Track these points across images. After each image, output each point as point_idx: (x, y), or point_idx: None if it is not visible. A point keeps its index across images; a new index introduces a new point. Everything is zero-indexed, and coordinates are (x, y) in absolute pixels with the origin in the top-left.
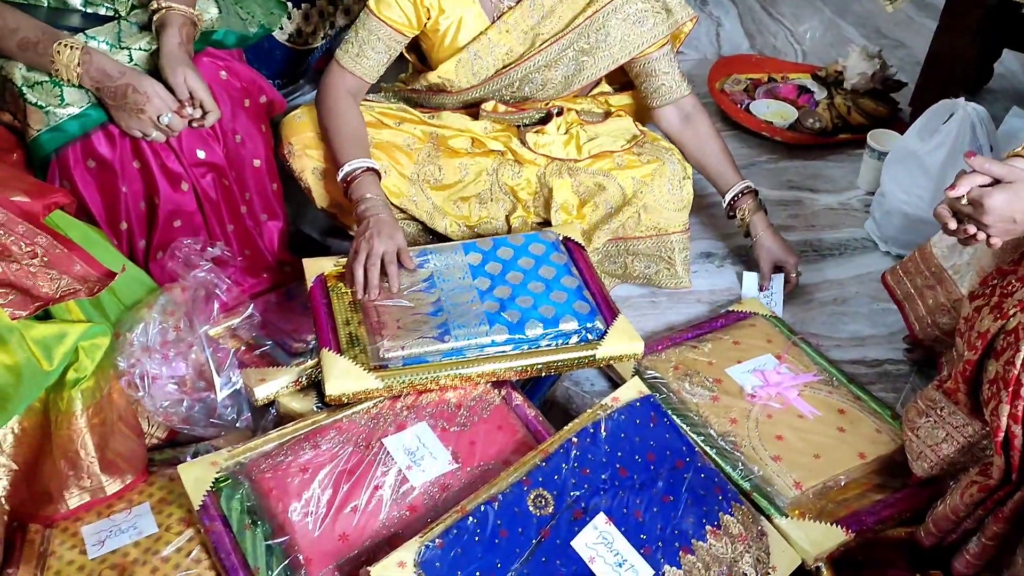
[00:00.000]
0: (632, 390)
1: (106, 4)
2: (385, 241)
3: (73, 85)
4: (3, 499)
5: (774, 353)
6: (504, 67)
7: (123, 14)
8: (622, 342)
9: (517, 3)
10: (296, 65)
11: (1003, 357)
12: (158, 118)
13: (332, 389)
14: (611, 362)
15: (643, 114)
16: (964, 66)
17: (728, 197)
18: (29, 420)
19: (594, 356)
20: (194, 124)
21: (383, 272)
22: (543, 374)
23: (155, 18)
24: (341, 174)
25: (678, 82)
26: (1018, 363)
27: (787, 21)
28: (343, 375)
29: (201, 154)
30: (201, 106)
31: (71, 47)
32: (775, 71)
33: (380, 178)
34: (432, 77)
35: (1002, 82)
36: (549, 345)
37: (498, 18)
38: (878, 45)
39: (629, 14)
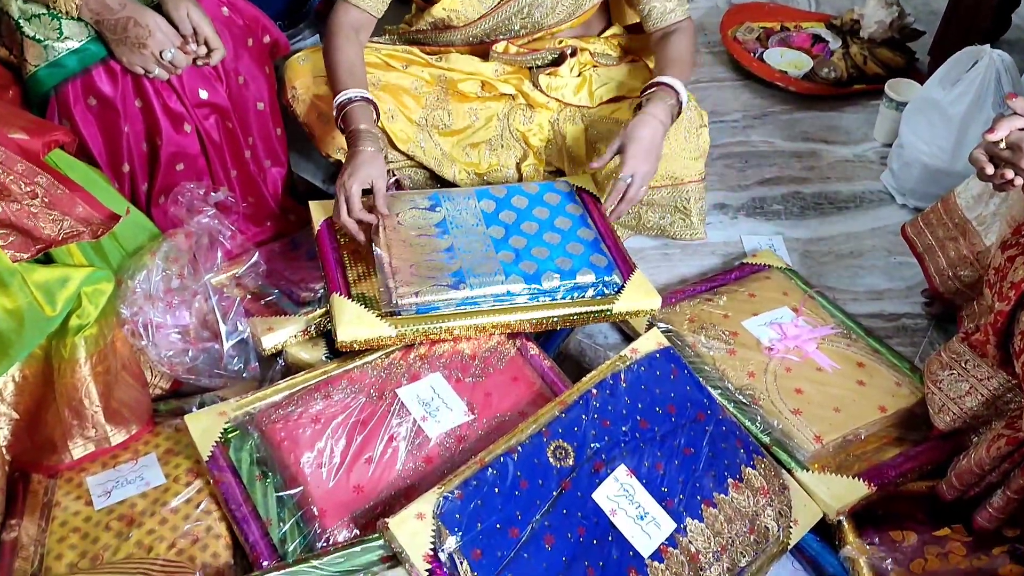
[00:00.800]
0: (651, 341)
1: None
2: (361, 176)
3: (72, 18)
4: (4, 448)
5: (790, 306)
6: None
7: None
8: (639, 297)
9: None
10: (297, 7)
11: None
12: (160, 53)
13: (343, 335)
14: (627, 317)
15: None
16: (986, 13)
17: (652, 80)
18: (31, 368)
19: (610, 310)
20: (199, 62)
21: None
22: (558, 327)
23: None
24: (335, 105)
25: (670, 7)
26: None
27: None
28: (354, 321)
29: (204, 94)
30: (206, 43)
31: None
32: (788, 19)
33: (377, 112)
34: (437, 11)
35: (1019, 33)
36: (565, 298)
37: None
38: None
39: None
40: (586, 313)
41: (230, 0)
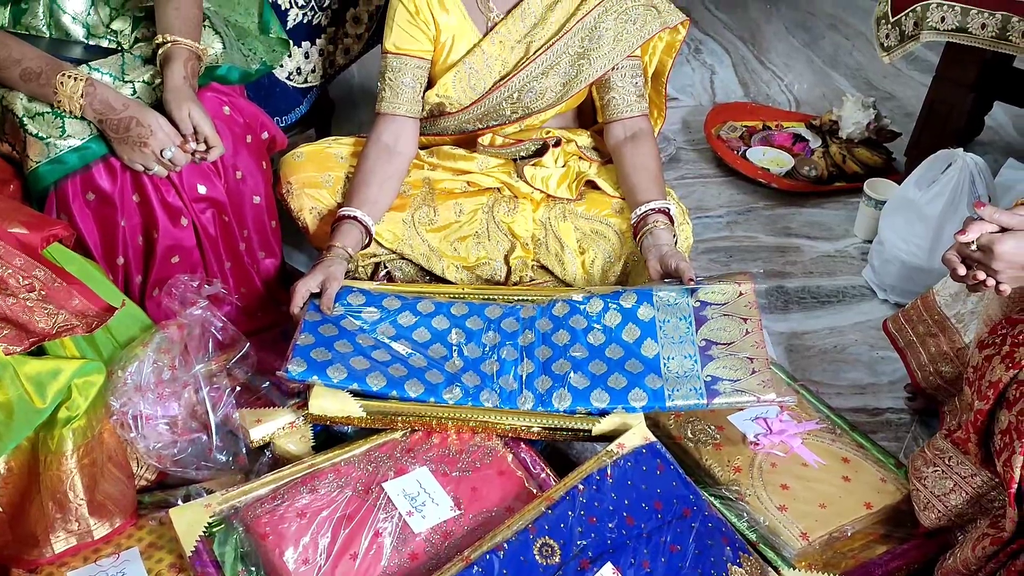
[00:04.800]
0: (637, 436)
1: (109, 36)
2: (313, 278)
3: (75, 117)
4: None
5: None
6: (501, 78)
7: (126, 47)
8: (622, 419)
9: (507, 14)
10: (295, 103)
11: (1016, 407)
12: (161, 152)
13: (313, 407)
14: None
15: None
16: (959, 117)
17: (642, 210)
18: (16, 460)
19: (590, 431)
20: (197, 159)
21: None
22: (539, 438)
23: (160, 52)
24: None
25: (629, 102)
26: None
27: (779, 71)
28: (327, 395)
29: (202, 189)
30: (205, 141)
31: (75, 78)
32: (770, 119)
33: (370, 233)
34: (432, 96)
35: (991, 135)
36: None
37: (490, 30)
38: (870, 96)
39: (619, 12)
40: (565, 429)
41: (231, 99)
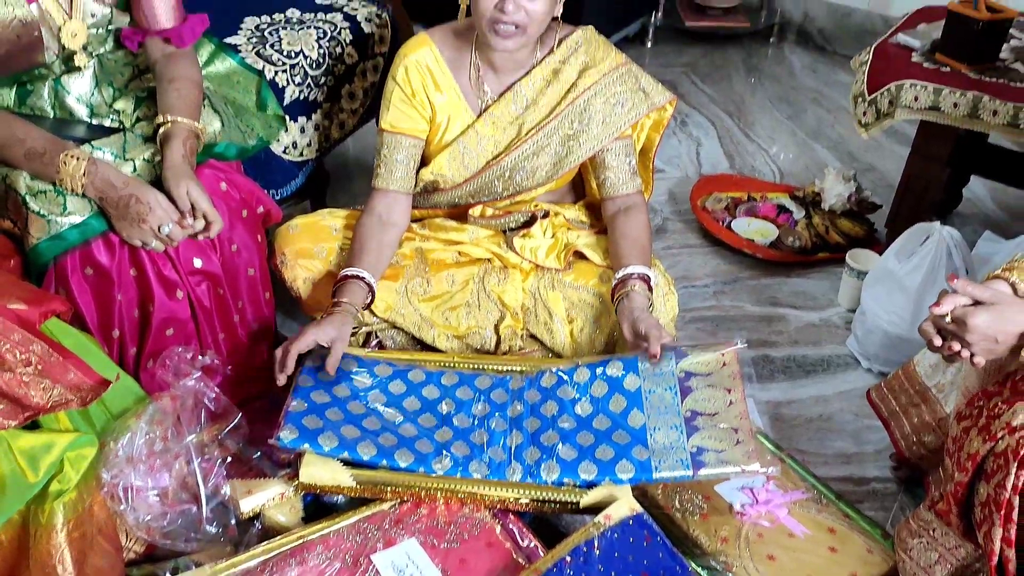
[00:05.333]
0: (624, 507)
1: (112, 116)
2: (312, 333)
3: (77, 194)
4: None
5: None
6: (494, 158)
7: (128, 126)
8: (610, 491)
9: (500, 96)
10: (291, 175)
11: (994, 480)
12: (159, 228)
13: (304, 476)
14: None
15: None
16: (936, 191)
17: (621, 274)
18: (7, 534)
19: (578, 503)
20: (199, 236)
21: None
22: (527, 510)
23: (160, 131)
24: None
25: (624, 180)
26: (1008, 486)
27: (763, 143)
28: (318, 464)
29: (198, 263)
30: (204, 217)
31: (77, 158)
32: (754, 190)
33: (372, 292)
34: (426, 174)
35: (970, 207)
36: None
37: (484, 111)
38: (852, 168)
39: (608, 96)
40: (552, 501)
41: (228, 176)
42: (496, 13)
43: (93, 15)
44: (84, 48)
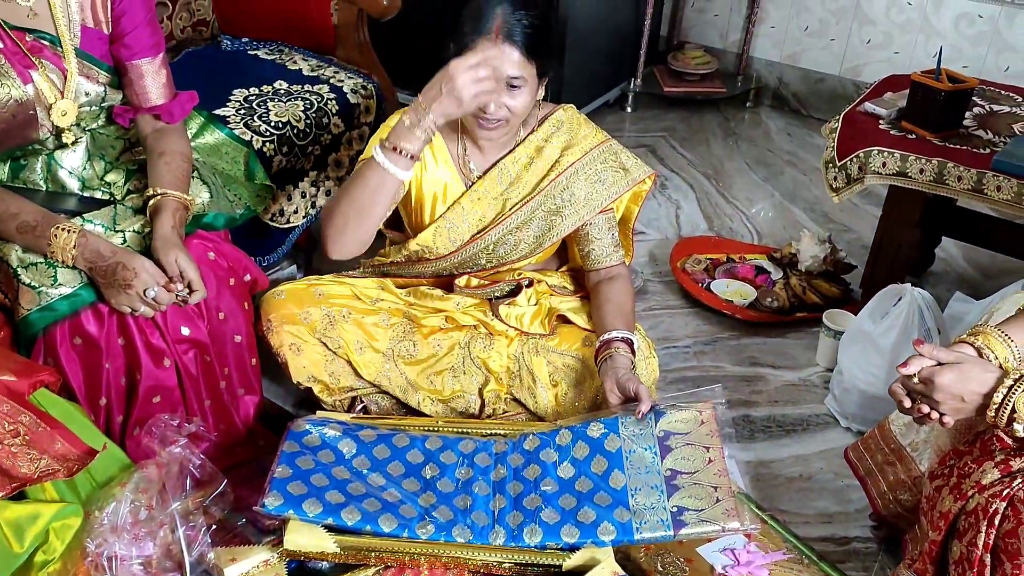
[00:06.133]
0: (606, 572)
1: (103, 188)
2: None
3: (67, 266)
4: None
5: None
6: (479, 232)
7: (119, 198)
8: (592, 553)
9: (486, 172)
10: (278, 243)
11: (966, 538)
12: (144, 292)
13: (288, 543)
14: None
15: None
16: (908, 251)
17: (605, 337)
18: None
19: (560, 567)
20: (180, 301)
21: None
22: (510, 574)
23: (151, 203)
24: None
25: (607, 252)
26: (980, 544)
27: (741, 204)
28: (302, 531)
29: (185, 331)
30: (189, 284)
31: (67, 230)
32: (733, 252)
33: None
34: (412, 245)
35: (943, 265)
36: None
37: (469, 187)
38: (827, 229)
39: (590, 174)
40: (535, 565)
41: (216, 245)
42: (480, 112)
43: (87, 94)
44: (77, 125)
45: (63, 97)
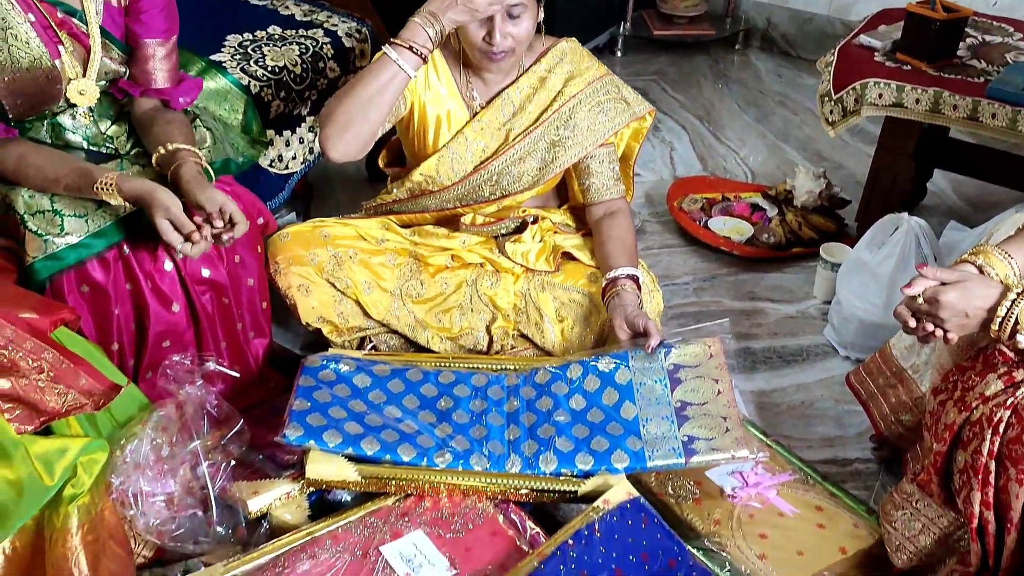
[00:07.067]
0: (621, 492)
1: (106, 145)
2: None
3: (78, 215)
4: None
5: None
6: (481, 162)
7: (123, 152)
8: (606, 480)
9: (489, 103)
10: (277, 188)
11: (970, 447)
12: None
13: (311, 473)
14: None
15: None
16: (902, 184)
17: (611, 275)
18: (21, 540)
19: (576, 492)
20: (224, 237)
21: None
22: (527, 500)
23: (163, 159)
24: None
25: (608, 185)
26: (984, 452)
27: (734, 145)
28: (323, 461)
29: (205, 272)
30: (231, 219)
31: (107, 185)
32: (728, 191)
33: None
34: (416, 176)
35: (935, 199)
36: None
37: (473, 117)
38: (821, 167)
39: (593, 106)
40: (551, 491)
41: (233, 188)
42: (485, 46)
43: (107, 73)
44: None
45: (84, 75)
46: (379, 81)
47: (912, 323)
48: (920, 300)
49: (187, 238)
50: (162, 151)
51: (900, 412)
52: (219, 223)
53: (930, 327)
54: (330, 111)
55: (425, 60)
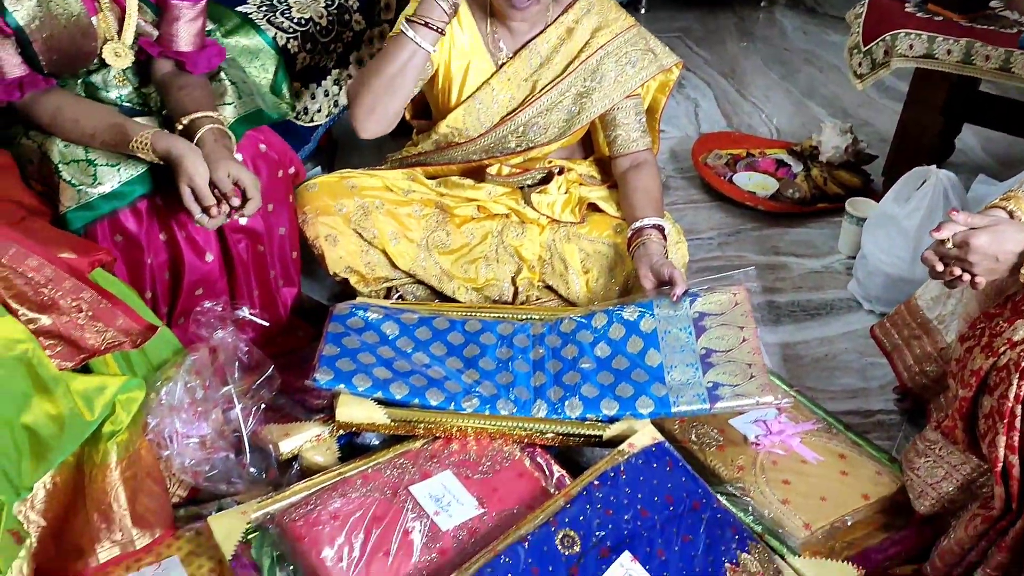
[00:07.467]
0: (646, 436)
1: (138, 101)
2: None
3: (111, 165)
4: (31, 557)
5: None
6: (508, 113)
7: (155, 108)
8: (630, 425)
9: (516, 54)
10: (304, 140)
11: (997, 392)
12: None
13: (341, 415)
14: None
15: None
16: (930, 138)
17: (637, 225)
18: (62, 475)
19: (601, 436)
20: (235, 215)
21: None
22: (553, 443)
23: (184, 129)
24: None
25: (634, 137)
26: (1011, 396)
27: (759, 102)
28: (353, 404)
29: (242, 220)
30: (243, 194)
31: (143, 143)
32: (753, 147)
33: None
34: (442, 128)
35: (962, 156)
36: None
37: (499, 68)
38: (847, 122)
39: (620, 57)
40: (576, 435)
41: (266, 137)
42: None
43: (140, 36)
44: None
45: (119, 38)
46: (399, 60)
47: (940, 267)
48: (949, 244)
49: (205, 210)
50: (179, 128)
51: (924, 363)
52: (235, 201)
53: (957, 271)
54: (356, 93)
55: (443, 33)
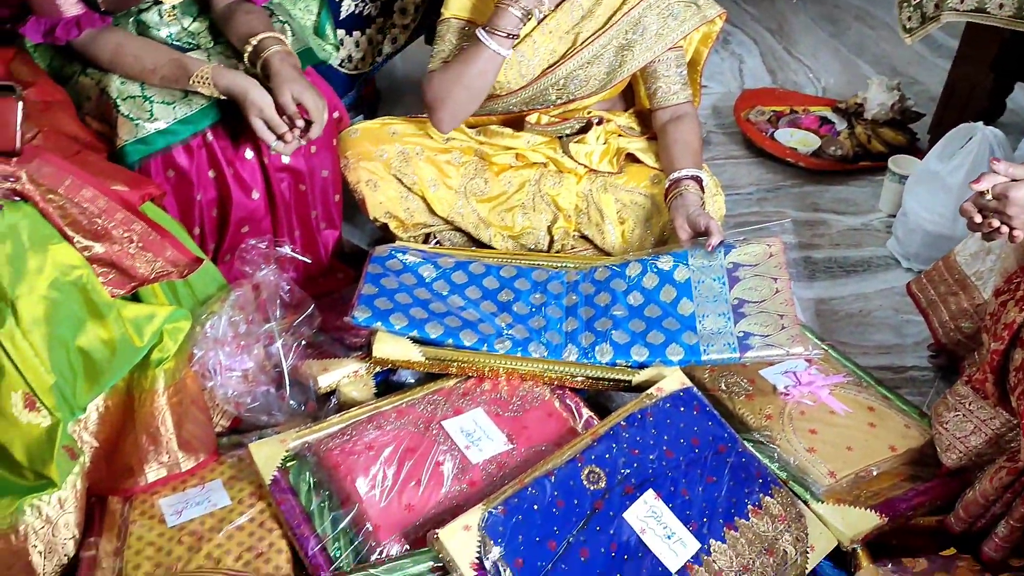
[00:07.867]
0: (675, 381)
1: (188, 39)
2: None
3: (166, 102)
4: (84, 475)
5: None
6: (549, 66)
7: (208, 46)
8: (660, 371)
9: (557, 6)
10: (347, 88)
11: None
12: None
13: (378, 352)
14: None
15: None
16: (980, 96)
17: (674, 176)
18: (113, 399)
19: (630, 381)
20: (303, 139)
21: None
22: (583, 387)
23: (252, 51)
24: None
25: (675, 90)
26: None
27: (806, 59)
28: (389, 341)
29: (286, 159)
30: (307, 117)
31: (202, 80)
32: (797, 104)
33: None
34: None
35: (1013, 117)
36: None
37: (541, 20)
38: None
39: (662, 9)
40: (606, 379)
41: (314, 79)
42: None
43: None
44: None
45: None
46: (479, 67)
47: (978, 219)
48: (988, 196)
49: (280, 137)
50: (248, 48)
51: (960, 319)
52: (300, 123)
53: (995, 223)
54: (440, 100)
55: (517, 37)
